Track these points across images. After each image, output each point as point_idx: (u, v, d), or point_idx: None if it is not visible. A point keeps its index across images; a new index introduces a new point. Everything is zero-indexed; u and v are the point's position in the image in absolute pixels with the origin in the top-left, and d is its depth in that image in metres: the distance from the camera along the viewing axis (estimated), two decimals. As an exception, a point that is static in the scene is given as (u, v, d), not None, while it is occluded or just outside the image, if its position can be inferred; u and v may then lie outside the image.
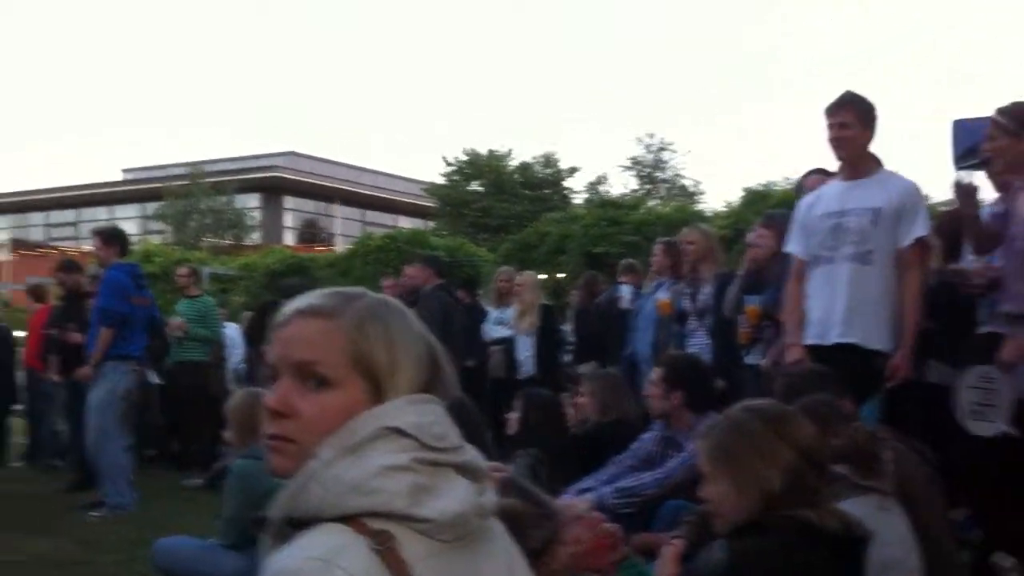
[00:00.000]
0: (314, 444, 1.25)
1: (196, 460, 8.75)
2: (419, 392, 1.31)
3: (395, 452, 1.23)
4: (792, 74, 73.10)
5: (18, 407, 10.27)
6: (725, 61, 70.67)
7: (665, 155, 36.14)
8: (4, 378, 9.99)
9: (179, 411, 9.27)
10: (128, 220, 31.37)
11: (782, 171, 35.89)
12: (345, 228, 37.43)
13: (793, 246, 4.74)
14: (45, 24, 78.61)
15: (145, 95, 76.67)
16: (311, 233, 38.02)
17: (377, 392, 1.30)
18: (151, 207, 32.85)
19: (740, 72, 69.60)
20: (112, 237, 7.65)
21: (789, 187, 19.27)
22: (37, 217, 39.51)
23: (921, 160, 47.31)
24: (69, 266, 8.99)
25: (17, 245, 37.59)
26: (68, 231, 37.82)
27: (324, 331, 1.31)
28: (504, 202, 31.56)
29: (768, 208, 13.27)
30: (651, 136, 36.53)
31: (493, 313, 9.13)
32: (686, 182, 36.18)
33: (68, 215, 38.29)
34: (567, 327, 9.43)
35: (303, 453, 1.25)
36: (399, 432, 1.24)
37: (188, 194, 31.61)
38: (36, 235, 39.24)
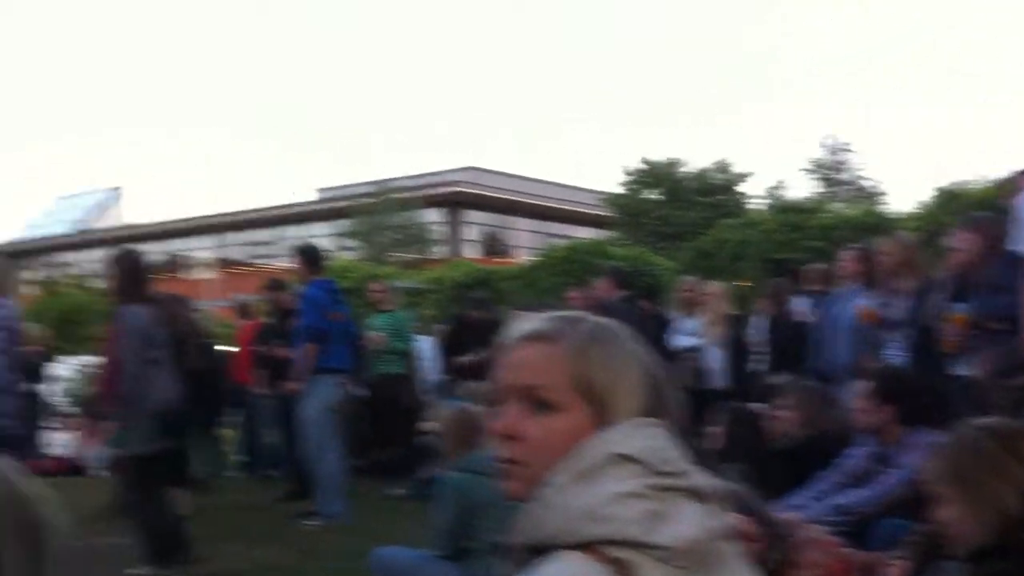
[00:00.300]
0: (544, 468, 1.27)
1: (397, 470, 9.02)
2: (643, 416, 1.31)
3: (626, 478, 1.22)
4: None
5: (231, 419, 10.74)
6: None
7: (845, 156, 35.05)
8: (211, 391, 10.49)
9: (380, 422, 9.58)
10: (322, 238, 32.51)
11: (976, 170, 34.23)
12: (525, 240, 37.87)
13: (1022, 245, 4.54)
14: (239, 54, 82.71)
15: (341, 117, 79.58)
16: (493, 246, 38.65)
17: (601, 416, 1.31)
18: (343, 224, 34.01)
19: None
20: (309, 254, 7.98)
21: (988, 185, 18.30)
22: (238, 236, 41.59)
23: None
24: (275, 285, 9.49)
25: (221, 263, 39.73)
26: (267, 249, 39.61)
27: (547, 355, 1.33)
28: (680, 209, 31.27)
29: (964, 208, 12.69)
30: (831, 138, 35.52)
31: (679, 323, 9.06)
32: (866, 183, 34.92)
33: (266, 234, 40.15)
34: (753, 336, 9.27)
35: (534, 477, 1.27)
36: (629, 458, 1.24)
37: (375, 211, 32.68)
38: (237, 254, 41.30)
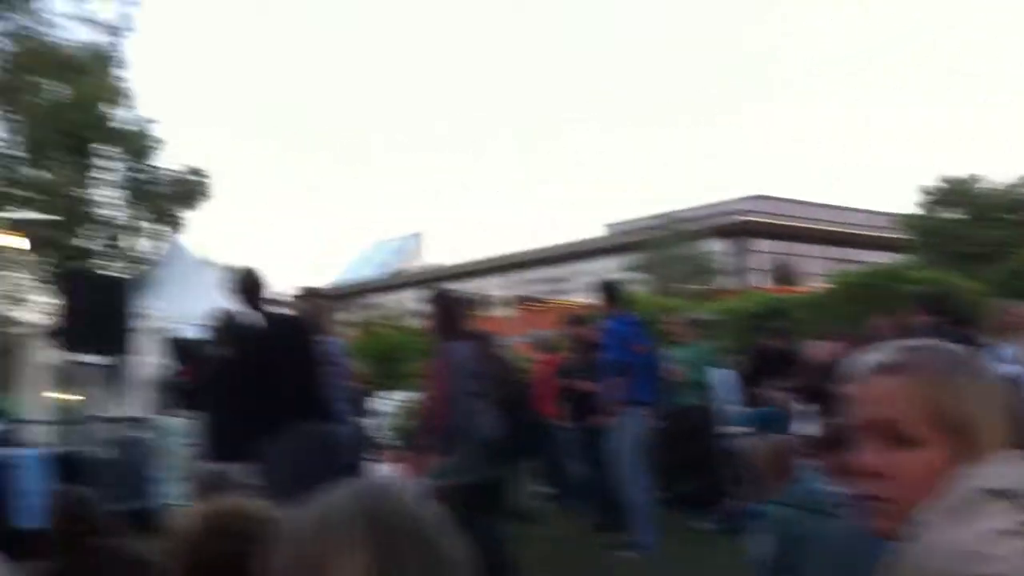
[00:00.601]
0: (909, 504, 1.23)
1: (700, 502, 9.00)
2: (1008, 448, 1.26)
3: (1001, 515, 1.15)
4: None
5: (535, 451, 11.05)
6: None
7: None
8: (519, 423, 10.81)
9: (681, 454, 9.60)
10: (612, 272, 32.96)
11: None
12: (817, 267, 36.75)
13: None
14: (524, 100, 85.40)
15: (626, 154, 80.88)
16: (783, 274, 37.76)
17: (964, 450, 1.26)
18: (632, 259, 34.35)
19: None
20: (610, 289, 8.18)
21: None
22: (531, 273, 42.96)
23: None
24: (576, 319, 9.77)
25: (517, 300, 41.17)
26: (560, 285, 40.61)
27: (901, 388, 1.30)
28: (984, 228, 29.31)
29: None
30: None
31: (997, 350, 8.52)
32: None
33: (558, 270, 41.23)
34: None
35: (900, 514, 1.24)
36: (1002, 494, 1.17)
37: (662, 244, 32.83)
38: (531, 290, 42.60)
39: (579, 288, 34.71)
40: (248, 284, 5.93)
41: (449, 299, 6.67)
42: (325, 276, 46.94)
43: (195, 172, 21.08)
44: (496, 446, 6.21)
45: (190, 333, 10.12)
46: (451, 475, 6.11)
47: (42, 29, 21.42)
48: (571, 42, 78.49)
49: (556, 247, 41.08)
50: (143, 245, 20.10)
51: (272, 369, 5.49)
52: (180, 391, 9.37)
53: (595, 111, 79.84)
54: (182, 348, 10.34)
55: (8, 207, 15.97)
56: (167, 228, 20.06)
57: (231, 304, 6.51)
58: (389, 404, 13.43)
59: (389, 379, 16.55)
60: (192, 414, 7.96)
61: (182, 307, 11.17)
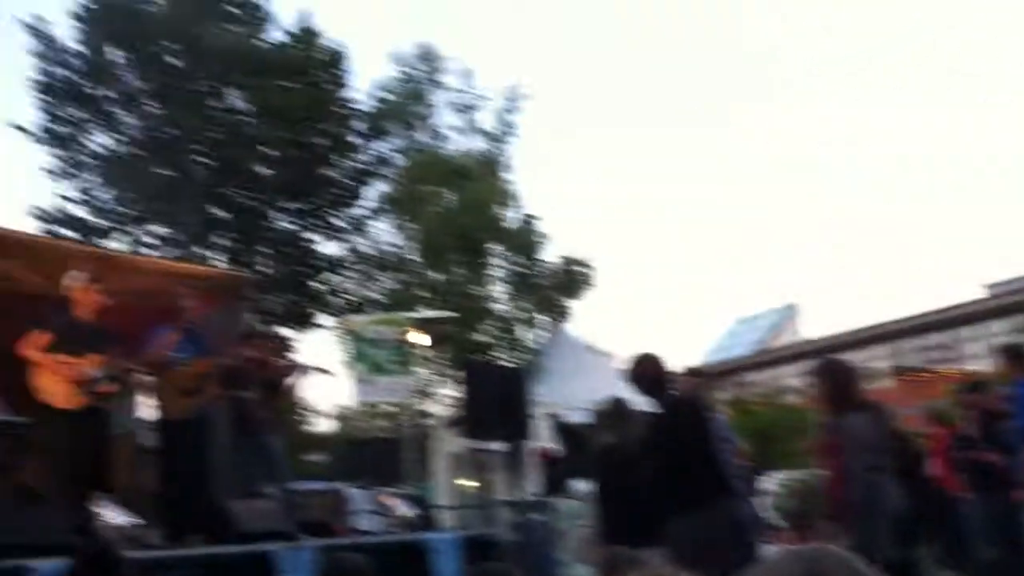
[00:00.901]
0: None
1: None
2: None
3: None
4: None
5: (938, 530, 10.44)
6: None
7: None
8: (919, 500, 10.23)
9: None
10: (1003, 336, 30.54)
11: None
12: None
13: None
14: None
15: (1006, 210, 75.77)
16: None
17: None
18: (1022, 320, 31.73)
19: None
20: (1014, 353, 7.73)
21: None
22: (910, 342, 40.64)
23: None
24: (973, 387, 9.23)
25: (897, 371, 39.04)
26: (940, 353, 38.16)
27: None
28: None
29: None
30: None
31: None
32: None
33: (938, 337, 38.78)
34: None
35: None
36: None
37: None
38: (911, 360, 40.20)
39: (964, 355, 32.52)
40: (647, 369, 6.09)
41: (838, 369, 6.54)
42: (695, 354, 46.72)
43: (577, 263, 22.03)
44: (901, 524, 5.99)
45: (575, 418, 10.61)
46: (856, 556, 5.95)
47: (434, 142, 23.69)
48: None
49: (934, 312, 38.66)
50: (531, 335, 21.18)
51: (676, 450, 5.65)
52: (560, 473, 9.79)
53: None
54: (568, 433, 10.87)
55: (413, 308, 17.53)
56: (552, 318, 21.00)
57: (623, 390, 6.76)
58: (772, 483, 13.23)
59: (765, 458, 16.26)
60: (581, 495, 8.28)
61: (568, 393, 11.74)
